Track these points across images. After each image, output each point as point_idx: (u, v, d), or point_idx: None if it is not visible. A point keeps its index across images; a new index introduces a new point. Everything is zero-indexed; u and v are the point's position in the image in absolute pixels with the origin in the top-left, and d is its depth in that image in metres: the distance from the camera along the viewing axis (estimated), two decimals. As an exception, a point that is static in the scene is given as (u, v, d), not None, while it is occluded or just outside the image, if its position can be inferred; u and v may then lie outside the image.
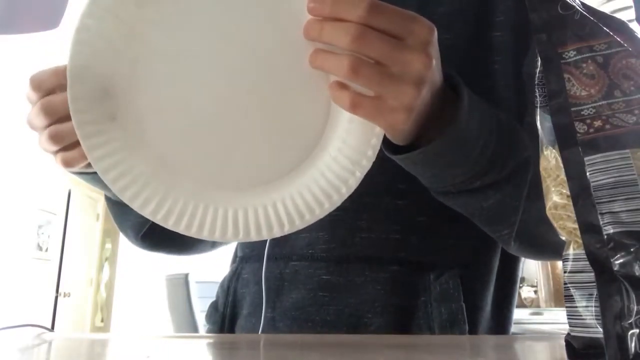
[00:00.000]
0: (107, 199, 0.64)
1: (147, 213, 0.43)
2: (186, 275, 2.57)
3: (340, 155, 0.43)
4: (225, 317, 0.67)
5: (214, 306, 0.70)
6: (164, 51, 0.42)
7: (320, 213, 0.44)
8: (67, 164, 0.48)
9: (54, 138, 0.47)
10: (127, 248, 3.95)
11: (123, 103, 0.43)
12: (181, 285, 2.60)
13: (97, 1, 0.41)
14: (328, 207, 0.44)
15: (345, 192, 0.44)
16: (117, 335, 0.59)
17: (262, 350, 0.42)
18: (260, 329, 0.61)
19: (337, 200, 0.44)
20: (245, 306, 0.65)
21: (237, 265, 0.69)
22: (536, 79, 0.32)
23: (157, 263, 3.72)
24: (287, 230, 0.44)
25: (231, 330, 0.66)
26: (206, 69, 0.42)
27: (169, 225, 0.43)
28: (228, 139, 0.44)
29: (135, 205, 0.43)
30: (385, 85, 0.39)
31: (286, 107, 0.43)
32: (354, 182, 0.43)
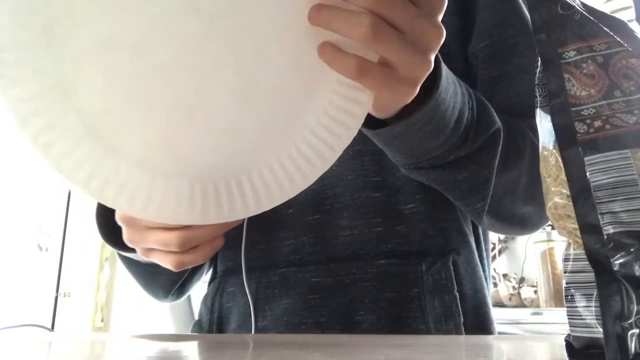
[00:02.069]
0: (134, 262, 0.61)
1: (78, 180, 0.34)
2: (186, 275, 2.57)
3: (319, 128, 0.38)
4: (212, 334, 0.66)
5: (198, 325, 0.69)
6: None
7: (290, 191, 0.38)
8: (182, 265, 0.46)
9: (184, 244, 0.44)
10: (127, 248, 3.95)
11: (58, 24, 0.33)
12: (181, 285, 2.61)
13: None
14: (300, 184, 0.38)
15: (321, 167, 0.38)
16: (117, 335, 0.59)
17: (266, 349, 0.42)
18: None
19: (311, 176, 0.38)
20: (233, 320, 0.64)
21: (219, 280, 0.68)
22: (536, 79, 0.32)
23: (157, 263, 3.73)
24: (252, 211, 0.38)
25: None
26: (175, 6, 0.34)
27: (105, 197, 0.35)
28: (190, 99, 0.36)
29: (62, 168, 0.34)
30: (402, 54, 0.35)
31: (264, 66, 0.36)
32: (331, 157, 0.38)
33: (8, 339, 0.53)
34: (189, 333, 0.72)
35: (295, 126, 0.38)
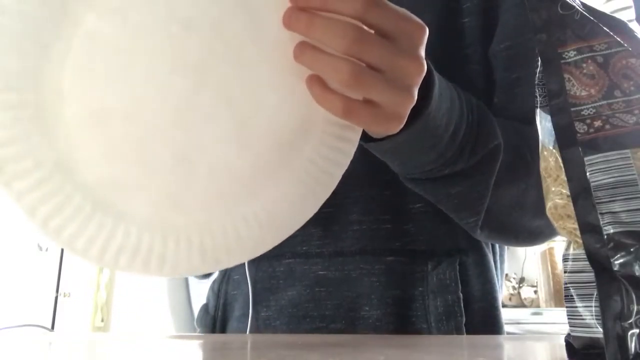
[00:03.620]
0: None
1: (92, 256, 0.34)
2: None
3: (317, 157, 0.39)
4: (217, 320, 0.66)
5: (204, 309, 0.69)
6: (103, 41, 0.33)
7: (300, 222, 0.39)
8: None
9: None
10: (127, 248, 3.96)
11: (47, 108, 0.33)
12: (181, 285, 2.60)
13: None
14: (309, 211, 0.39)
15: (323, 196, 0.39)
16: (117, 335, 0.59)
17: (266, 349, 0.42)
18: (255, 328, 0.61)
19: (314, 208, 0.39)
20: (237, 308, 0.65)
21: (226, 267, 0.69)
22: (536, 79, 0.32)
23: (157, 263, 3.72)
24: (262, 249, 0.39)
25: (222, 333, 0.66)
26: (159, 63, 0.34)
27: (120, 265, 0.35)
28: (188, 148, 0.36)
29: (75, 248, 0.34)
30: (384, 94, 0.37)
31: (256, 110, 0.37)
32: (332, 184, 0.40)
33: (8, 339, 0.53)
34: (195, 319, 0.71)
35: (294, 159, 0.39)
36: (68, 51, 0.33)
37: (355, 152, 0.40)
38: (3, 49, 0.32)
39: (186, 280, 2.52)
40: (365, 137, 0.45)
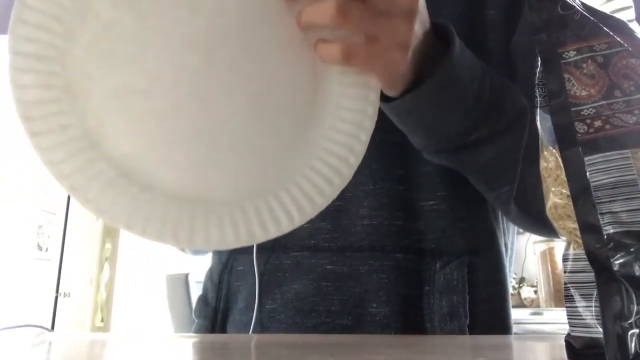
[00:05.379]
0: None
1: (119, 219, 0.34)
2: (186, 275, 2.57)
3: (339, 122, 0.39)
4: (218, 311, 0.65)
5: (203, 300, 0.68)
6: (120, 28, 0.36)
7: (330, 193, 0.39)
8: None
9: None
10: (127, 248, 3.94)
11: (76, 85, 0.35)
12: (181, 285, 2.60)
13: None
14: (339, 184, 0.39)
15: (354, 161, 0.39)
16: (117, 335, 0.59)
17: (266, 350, 0.42)
18: (259, 321, 0.60)
19: (347, 173, 0.39)
20: (240, 299, 0.64)
21: (228, 257, 0.67)
22: (536, 79, 0.32)
23: (157, 263, 3.72)
24: (298, 222, 0.38)
25: (223, 324, 0.65)
26: (171, 43, 0.37)
27: (149, 233, 0.34)
28: (209, 128, 0.37)
29: (100, 209, 0.34)
30: (377, 24, 0.37)
31: (269, 82, 0.38)
32: (360, 148, 0.39)
33: (8, 339, 0.53)
34: (192, 311, 0.71)
35: (316, 128, 0.39)
36: (91, 38, 0.35)
37: (369, 147, 0.40)
38: (34, 23, 0.34)
39: (186, 280, 2.52)
40: (387, 98, 0.45)
